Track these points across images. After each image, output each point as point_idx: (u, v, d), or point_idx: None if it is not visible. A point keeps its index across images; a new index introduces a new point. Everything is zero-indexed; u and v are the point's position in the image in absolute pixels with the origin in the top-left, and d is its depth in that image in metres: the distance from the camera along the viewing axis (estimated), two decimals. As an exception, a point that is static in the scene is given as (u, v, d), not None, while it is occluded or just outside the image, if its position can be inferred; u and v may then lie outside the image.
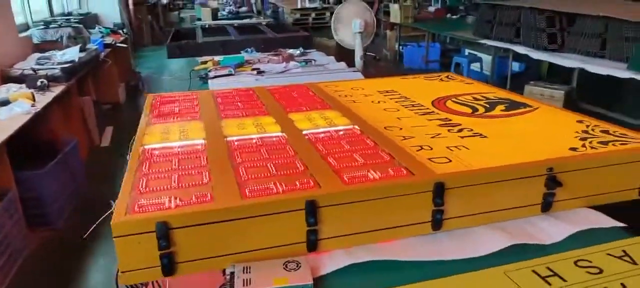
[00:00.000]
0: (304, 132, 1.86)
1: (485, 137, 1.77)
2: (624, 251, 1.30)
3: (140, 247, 1.19)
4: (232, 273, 1.22)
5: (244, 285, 1.17)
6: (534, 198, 1.49)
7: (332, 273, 1.25)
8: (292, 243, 1.30)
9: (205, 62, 4.90)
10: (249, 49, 5.24)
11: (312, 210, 1.27)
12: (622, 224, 1.43)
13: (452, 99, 2.34)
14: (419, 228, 1.40)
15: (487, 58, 7.17)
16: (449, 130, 1.85)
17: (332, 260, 1.30)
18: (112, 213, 1.23)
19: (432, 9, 10.71)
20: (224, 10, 13.12)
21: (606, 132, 1.77)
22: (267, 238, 1.28)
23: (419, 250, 1.34)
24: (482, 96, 2.38)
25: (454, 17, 10.05)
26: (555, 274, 1.21)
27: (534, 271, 1.23)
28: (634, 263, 1.25)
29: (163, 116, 2.13)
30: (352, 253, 1.32)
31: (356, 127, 1.91)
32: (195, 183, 1.39)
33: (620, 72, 3.97)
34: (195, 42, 5.40)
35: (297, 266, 1.24)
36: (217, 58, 4.76)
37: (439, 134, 1.81)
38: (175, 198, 1.29)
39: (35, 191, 3.24)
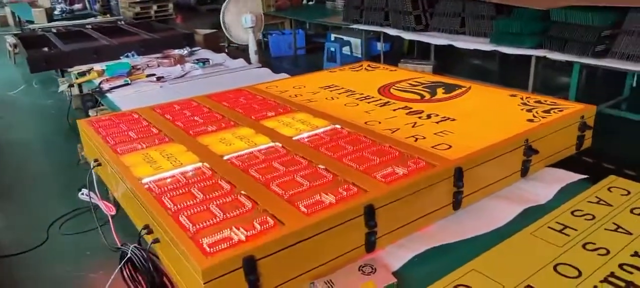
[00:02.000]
0: (295, 138, 1.88)
1: (454, 119, 2.00)
2: (597, 197, 1.64)
3: (228, 285, 1.14)
4: (317, 290, 1.24)
5: (337, 299, 1.20)
6: (516, 166, 1.76)
7: (401, 268, 1.34)
8: (354, 249, 1.36)
9: (83, 73, 4.42)
10: (129, 54, 4.84)
11: (371, 213, 1.34)
12: (584, 176, 1.77)
13: (394, 88, 2.55)
14: (444, 211, 1.56)
15: (354, 41, 7.67)
16: (419, 118, 2.04)
17: (390, 257, 1.39)
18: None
19: (289, -4, 10.94)
20: (56, 10, 11.66)
21: (539, 102, 2.14)
22: (333, 249, 1.31)
23: (453, 231, 1.50)
24: (416, 82, 2.63)
25: (311, 3, 10.45)
26: (566, 226, 1.48)
27: (549, 227, 1.48)
28: (610, 204, 1.58)
29: (124, 143, 1.94)
30: (403, 246, 1.43)
31: (337, 126, 1.99)
32: (241, 212, 1.35)
33: (484, 45, 4.67)
34: (62, 51, 4.76)
35: (372, 269, 1.30)
36: (98, 67, 4.32)
37: (416, 123, 1.99)
38: (237, 229, 1.25)
39: None
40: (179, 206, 1.39)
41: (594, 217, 1.52)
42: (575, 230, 1.46)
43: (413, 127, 1.94)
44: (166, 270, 1.41)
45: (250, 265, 1.14)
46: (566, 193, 1.68)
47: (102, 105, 5.21)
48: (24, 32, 8.19)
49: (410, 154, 1.65)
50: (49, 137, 5.63)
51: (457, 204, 1.57)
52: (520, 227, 1.49)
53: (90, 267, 3.01)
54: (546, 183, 1.74)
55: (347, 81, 2.74)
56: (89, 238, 3.31)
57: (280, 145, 1.83)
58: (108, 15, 11.24)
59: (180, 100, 2.53)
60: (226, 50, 6.68)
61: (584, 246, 1.38)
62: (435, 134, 1.84)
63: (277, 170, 1.59)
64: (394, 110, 2.18)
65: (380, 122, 2.01)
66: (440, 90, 2.44)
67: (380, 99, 2.36)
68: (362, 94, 2.47)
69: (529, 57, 4.38)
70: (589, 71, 5.84)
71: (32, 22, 9.79)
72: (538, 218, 1.53)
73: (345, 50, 7.44)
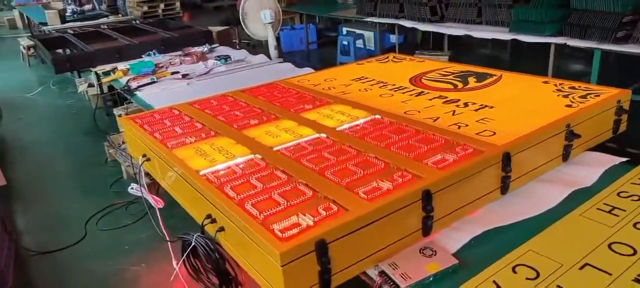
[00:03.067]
0: (338, 129, 1.93)
1: (492, 107, 2.04)
2: (640, 179, 1.68)
3: (303, 269, 1.19)
4: (383, 271, 1.29)
5: (403, 279, 1.26)
6: (558, 150, 1.81)
7: (458, 250, 1.39)
8: (412, 233, 1.41)
9: (108, 73, 4.50)
10: (150, 52, 4.90)
11: (428, 198, 1.40)
12: (624, 158, 1.81)
13: (425, 78, 2.59)
14: (492, 195, 1.61)
15: (367, 34, 7.71)
16: (457, 106, 2.09)
17: (446, 239, 1.44)
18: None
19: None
20: (67, 11, 11.77)
21: (573, 88, 2.18)
22: (393, 233, 1.37)
23: (504, 214, 1.55)
24: (446, 71, 2.67)
25: (321, -4, 10.47)
26: (614, 207, 1.52)
27: (598, 208, 1.53)
28: (653, 186, 1.63)
29: (172, 138, 2.00)
30: (457, 229, 1.48)
31: (377, 116, 2.04)
32: (303, 199, 1.41)
33: (503, 34, 4.69)
34: (87, 51, 4.84)
35: (433, 251, 1.36)
36: (122, 66, 4.39)
37: (455, 111, 2.03)
38: (304, 214, 1.30)
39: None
40: (242, 195, 1.44)
41: (640, 198, 1.56)
42: (624, 210, 1.50)
43: (453, 115, 1.99)
44: (229, 257, 1.48)
45: (322, 249, 1.20)
46: (609, 176, 1.72)
47: (125, 104, 5.31)
48: (40, 34, 8.27)
49: (456, 141, 1.70)
50: (74, 136, 5.74)
51: (505, 188, 1.62)
52: (568, 209, 1.53)
53: (130, 260, 3.10)
54: (589, 167, 1.78)
55: (377, 73, 2.79)
56: (125, 233, 3.41)
57: (325, 135, 1.88)
58: (120, 15, 11.33)
59: (216, 96, 2.59)
60: (238, 47, 6.75)
61: (634, 225, 1.42)
62: (476, 121, 1.88)
63: (328, 160, 1.65)
64: (430, 99, 2.22)
65: (419, 111, 2.06)
66: (471, 79, 2.48)
67: (414, 89, 2.40)
68: (395, 84, 2.51)
69: (544, 44, 4.40)
70: (605, 58, 5.85)
71: (45, 24, 9.88)
72: (585, 200, 1.57)
73: (359, 43, 7.47)
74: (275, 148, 1.79)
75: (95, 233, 3.46)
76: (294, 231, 1.24)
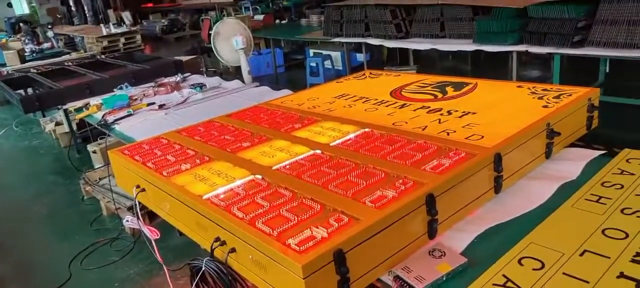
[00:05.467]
0: (332, 144, 1.98)
1: (475, 113, 2.14)
2: (619, 168, 1.79)
3: (324, 280, 1.22)
4: (397, 276, 1.34)
5: (418, 281, 1.30)
6: (541, 149, 1.91)
7: (464, 250, 1.45)
8: (418, 237, 1.46)
9: (80, 109, 4.42)
10: (122, 86, 4.85)
11: (432, 202, 1.46)
12: (602, 151, 1.94)
13: (404, 91, 2.69)
14: (488, 195, 1.69)
15: (334, 54, 7.86)
16: (441, 115, 2.18)
17: (450, 240, 1.50)
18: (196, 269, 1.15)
19: (260, 17, 11.09)
20: (25, 50, 11.47)
21: (546, 90, 2.31)
22: (402, 238, 1.42)
23: (501, 212, 1.63)
24: (423, 83, 2.78)
25: (284, 22, 10.61)
26: (601, 196, 1.62)
27: (586, 199, 1.63)
28: (632, 173, 1.74)
29: (166, 166, 2.00)
30: (459, 230, 1.55)
31: (367, 129, 2.10)
32: (312, 213, 1.44)
33: (468, 46, 4.89)
34: (55, 89, 4.73)
35: (441, 252, 1.41)
36: (95, 101, 4.32)
37: (440, 119, 2.12)
38: (316, 227, 1.34)
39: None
40: (251, 215, 1.46)
41: (622, 186, 1.67)
42: (610, 198, 1.61)
43: (439, 123, 2.07)
44: (240, 279, 1.49)
45: (340, 258, 1.23)
46: (590, 168, 1.83)
47: (99, 139, 5.20)
48: (1, 75, 8.02)
49: (448, 147, 1.78)
50: (45, 177, 5.56)
51: (498, 188, 1.70)
52: (559, 202, 1.62)
53: (121, 298, 3.01)
54: (571, 161, 1.89)
55: (357, 89, 2.86)
56: (113, 270, 3.33)
57: (320, 152, 1.92)
58: (82, 51, 11.12)
59: (202, 123, 2.60)
60: (205, 76, 6.75)
61: (622, 211, 1.53)
62: (463, 127, 1.97)
63: (329, 174, 1.69)
64: (414, 110, 2.31)
65: (406, 122, 2.13)
66: (449, 89, 2.59)
67: (396, 102, 2.49)
68: (377, 99, 2.59)
69: (502, 53, 4.61)
70: (560, 61, 6.16)
71: (3, 65, 9.59)
72: (573, 192, 1.67)
73: (327, 64, 7.60)
74: (274, 168, 1.82)
75: (81, 274, 3.35)
76: (311, 243, 1.27)
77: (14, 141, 7.32)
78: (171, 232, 3.59)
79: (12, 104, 9.65)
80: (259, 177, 1.76)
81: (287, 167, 1.83)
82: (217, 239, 1.51)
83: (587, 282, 1.22)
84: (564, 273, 1.27)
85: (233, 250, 1.45)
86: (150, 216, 2.47)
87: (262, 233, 1.35)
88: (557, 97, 2.16)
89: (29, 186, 5.40)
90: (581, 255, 1.34)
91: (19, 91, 5.62)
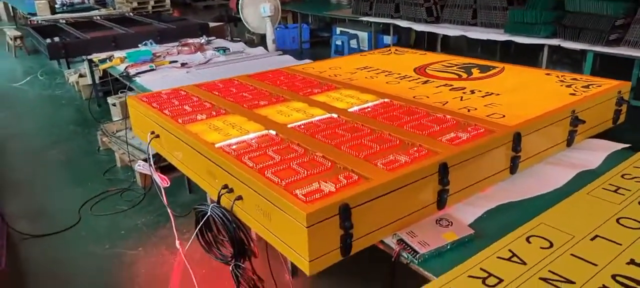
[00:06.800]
0: (350, 110, 1.96)
1: (498, 94, 2.09)
2: (643, 163, 1.73)
3: (327, 232, 1.21)
4: (401, 239, 1.32)
5: (422, 246, 1.28)
6: (563, 136, 1.86)
7: (473, 223, 1.43)
8: (427, 206, 1.44)
9: (104, 60, 4.46)
10: (147, 42, 4.88)
11: (445, 171, 1.43)
12: (626, 145, 1.87)
13: (429, 68, 2.64)
14: (502, 174, 1.65)
15: (361, 35, 7.77)
16: (464, 93, 2.13)
17: (459, 213, 1.47)
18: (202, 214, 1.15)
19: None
20: (56, 2, 11.64)
21: (575, 79, 2.24)
22: (410, 204, 1.40)
23: (514, 192, 1.59)
24: (449, 63, 2.72)
25: (313, -4, 10.52)
26: (619, 187, 1.57)
27: (604, 188, 1.58)
28: (656, 169, 1.68)
29: (182, 115, 2.00)
30: (470, 204, 1.52)
31: (387, 100, 2.07)
32: (322, 169, 1.43)
33: (499, 35, 4.78)
34: (82, 39, 4.79)
35: (449, 222, 1.39)
36: (118, 54, 4.36)
37: (462, 97, 2.07)
38: (325, 182, 1.32)
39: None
40: (261, 165, 1.46)
41: (643, 179, 1.62)
42: (629, 190, 1.55)
43: (461, 100, 2.03)
44: (244, 228, 1.49)
45: (346, 213, 1.22)
46: (612, 160, 1.78)
47: (119, 93, 5.27)
48: (32, 23, 8.14)
49: (467, 122, 1.74)
50: (64, 126, 5.66)
51: (514, 168, 1.66)
52: (576, 189, 1.58)
53: (127, 244, 3.07)
54: (592, 151, 1.84)
55: (381, 63, 2.82)
56: (121, 219, 3.39)
57: (336, 116, 1.90)
58: (111, 8, 11.21)
59: (222, 80, 2.60)
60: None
61: (639, 202, 1.48)
62: (485, 105, 1.93)
63: (343, 136, 1.67)
64: (437, 87, 2.26)
65: (428, 97, 2.09)
66: (475, 70, 2.53)
67: (419, 78, 2.44)
68: (400, 73, 2.55)
69: (533, 47, 4.49)
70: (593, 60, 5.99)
71: (34, 15, 9.75)
72: (590, 181, 1.62)
73: (353, 43, 7.53)
74: (289, 125, 1.80)
75: (89, 219, 3.42)
76: (317, 196, 1.26)
77: (38, 89, 7.46)
78: (181, 189, 3.64)
79: (39, 54, 9.84)
80: (273, 132, 1.75)
81: (302, 126, 1.81)
82: (225, 186, 1.51)
83: (595, 265, 1.19)
84: (572, 254, 1.24)
85: (240, 198, 1.45)
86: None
87: (270, 182, 1.34)
88: (586, 86, 2.10)
89: (49, 133, 5.51)
90: (592, 239, 1.30)
91: (47, 39, 5.71)
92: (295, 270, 2.70)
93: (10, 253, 3.06)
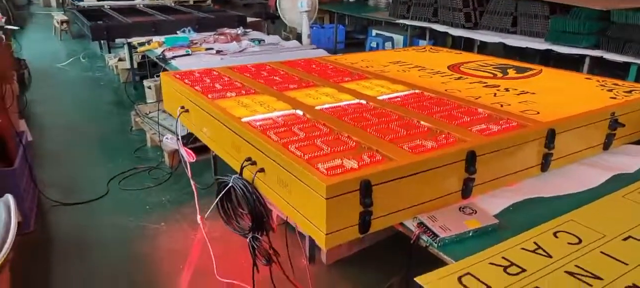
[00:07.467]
0: (379, 98, 1.93)
1: (534, 93, 2.03)
2: (685, 172, 1.65)
3: (346, 206, 1.20)
4: (421, 223, 1.29)
5: (443, 230, 1.25)
6: (600, 138, 1.78)
7: (498, 214, 1.38)
8: (451, 193, 1.40)
9: (143, 44, 4.57)
10: (185, 29, 4.98)
11: (472, 159, 1.39)
12: (667, 153, 1.78)
13: (463, 66, 2.58)
14: (532, 171, 1.59)
15: (397, 38, 7.71)
16: (498, 90, 2.08)
17: (485, 203, 1.43)
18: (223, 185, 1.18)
19: (329, -8, 11.05)
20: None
21: (616, 84, 2.15)
22: (434, 189, 1.36)
23: (543, 188, 1.53)
24: (485, 63, 2.66)
25: (351, 0, 10.52)
26: (658, 193, 1.50)
27: (640, 193, 1.50)
28: (699, 179, 1.59)
29: (212, 92, 2.02)
30: (496, 196, 1.47)
31: (417, 91, 2.04)
32: (347, 147, 1.41)
33: (539, 44, 4.65)
34: (123, 23, 4.94)
35: (472, 210, 1.35)
36: (157, 39, 4.47)
37: (496, 94, 2.02)
38: (349, 159, 1.31)
39: (9, 191, 2.74)
40: (285, 140, 1.45)
41: (684, 187, 1.53)
42: (668, 196, 1.48)
43: (494, 96, 1.98)
44: (264, 203, 1.49)
45: (367, 189, 1.20)
46: (652, 167, 1.70)
47: (155, 77, 5.38)
48: (78, 7, 8.42)
49: (500, 116, 1.69)
50: (101, 105, 5.83)
51: (546, 165, 1.60)
52: (610, 191, 1.51)
53: (151, 219, 3.13)
54: (630, 156, 1.76)
55: (415, 59, 2.79)
56: (147, 195, 3.45)
57: (365, 102, 1.88)
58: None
59: (254, 64, 2.62)
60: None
61: (679, 210, 1.40)
62: (519, 102, 1.87)
63: (370, 120, 1.65)
64: (470, 83, 2.21)
65: (460, 91, 2.05)
66: (511, 71, 2.47)
67: (453, 74, 2.40)
68: (433, 69, 2.51)
69: (573, 59, 4.34)
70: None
71: (81, 0, 10.10)
72: (627, 184, 1.55)
73: (387, 45, 7.47)
74: (316, 107, 1.80)
75: (117, 192, 3.51)
76: (339, 171, 1.24)
77: (80, 71, 7.71)
78: (207, 171, 3.67)
79: (82, 38, 10.17)
80: (300, 112, 1.75)
81: (329, 108, 1.80)
82: (249, 159, 1.51)
83: (626, 264, 1.13)
84: (601, 252, 1.18)
85: (262, 170, 1.45)
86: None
87: (293, 155, 1.33)
88: (629, 92, 2.01)
89: (86, 111, 5.69)
90: (624, 239, 1.24)
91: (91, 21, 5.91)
92: (312, 257, 2.69)
93: (39, 217, 3.16)
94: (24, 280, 2.63)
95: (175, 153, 3.68)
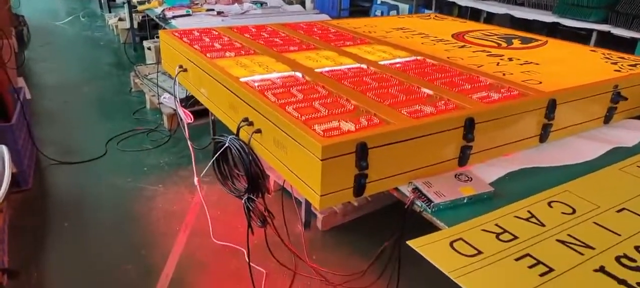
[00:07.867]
0: (380, 63, 1.91)
1: (538, 64, 2.00)
2: (684, 148, 1.63)
3: (341, 168, 1.19)
4: (416, 188, 1.29)
5: (437, 196, 1.25)
6: (601, 111, 1.76)
7: (494, 182, 1.38)
8: (448, 160, 1.39)
9: (143, 2, 4.50)
10: (186, -11, 4.88)
11: (471, 126, 1.37)
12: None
13: (468, 35, 2.54)
14: (531, 141, 1.58)
15: (402, 6, 7.58)
16: (501, 59, 2.04)
17: (481, 172, 1.42)
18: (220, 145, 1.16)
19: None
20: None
21: (622, 57, 2.11)
22: (431, 155, 1.35)
23: (541, 159, 1.52)
24: (489, 32, 2.62)
25: (358, -35, 10.28)
26: (656, 167, 1.49)
27: (638, 166, 1.49)
28: (698, 155, 1.58)
29: (211, 51, 1.99)
30: (493, 165, 1.46)
31: (420, 57, 2.01)
32: (345, 110, 1.39)
33: (546, 17, 4.57)
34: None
35: (468, 178, 1.34)
36: (156, -2, 4.38)
37: (499, 63, 1.99)
38: (346, 121, 1.29)
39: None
40: (283, 101, 1.44)
41: (683, 162, 1.52)
42: (665, 171, 1.47)
43: (497, 65, 1.95)
44: (260, 165, 1.48)
45: (363, 152, 1.19)
46: (651, 142, 1.68)
47: (155, 38, 5.31)
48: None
49: (501, 84, 1.67)
50: (100, 66, 5.78)
51: (545, 136, 1.59)
52: (607, 164, 1.50)
53: (149, 180, 3.14)
54: (630, 130, 1.74)
55: (419, 26, 2.74)
56: (145, 157, 3.46)
57: (365, 66, 1.86)
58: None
59: (254, 25, 2.57)
60: None
61: (676, 184, 1.39)
62: (522, 72, 1.84)
63: (370, 84, 1.63)
64: (474, 51, 2.18)
65: (463, 59, 2.02)
66: (516, 41, 2.43)
67: (456, 43, 2.36)
68: (436, 37, 2.47)
69: (578, 35, 4.27)
70: None
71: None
72: (625, 158, 1.54)
73: (393, 14, 7.35)
74: (315, 70, 1.77)
75: (115, 153, 3.51)
76: (335, 133, 1.23)
77: (79, 29, 7.62)
78: (205, 135, 3.66)
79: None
80: (299, 74, 1.72)
81: (329, 72, 1.78)
82: (245, 119, 1.50)
83: (619, 235, 1.13)
84: (594, 223, 1.18)
85: (258, 131, 1.44)
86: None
87: (289, 116, 1.32)
88: (634, 65, 1.98)
89: (84, 70, 5.64)
90: (618, 211, 1.24)
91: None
92: (308, 223, 2.71)
93: (37, 175, 3.17)
94: (20, 236, 2.65)
95: (174, 116, 3.67)
